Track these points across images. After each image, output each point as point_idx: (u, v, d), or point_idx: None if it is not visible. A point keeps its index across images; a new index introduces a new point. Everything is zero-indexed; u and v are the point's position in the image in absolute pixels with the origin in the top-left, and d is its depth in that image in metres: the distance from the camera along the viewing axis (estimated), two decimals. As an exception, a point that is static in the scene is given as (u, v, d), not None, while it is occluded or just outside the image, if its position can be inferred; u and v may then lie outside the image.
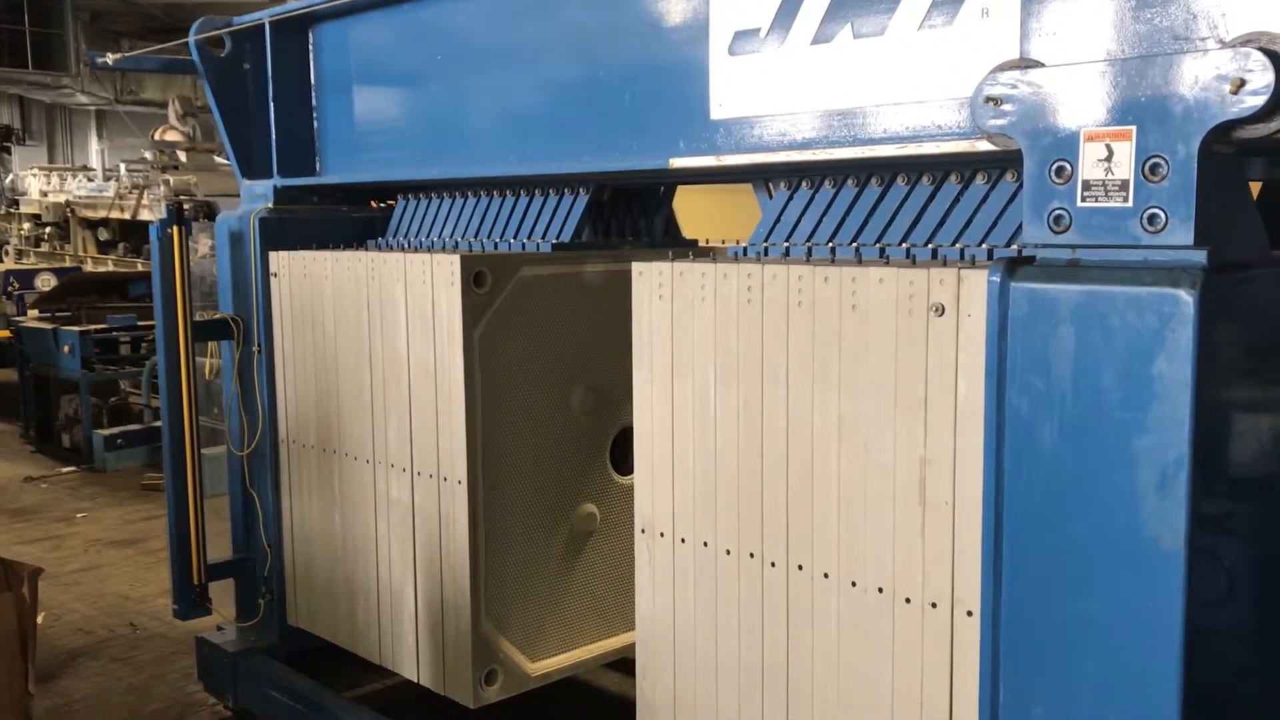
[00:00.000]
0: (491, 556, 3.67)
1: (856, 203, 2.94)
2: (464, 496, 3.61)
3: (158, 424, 9.70)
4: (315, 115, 4.50)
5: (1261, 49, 1.89)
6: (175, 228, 4.25)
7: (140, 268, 14.41)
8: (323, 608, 4.32)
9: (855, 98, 2.74)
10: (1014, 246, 2.59)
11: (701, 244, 4.15)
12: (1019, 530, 2.17)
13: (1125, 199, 2.04)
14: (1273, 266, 2.19)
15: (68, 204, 18.79)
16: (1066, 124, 2.10)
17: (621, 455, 3.91)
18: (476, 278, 3.55)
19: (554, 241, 3.77)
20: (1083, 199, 2.09)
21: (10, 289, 13.17)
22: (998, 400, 2.17)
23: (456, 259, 3.53)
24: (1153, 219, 2.01)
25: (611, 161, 3.37)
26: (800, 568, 2.77)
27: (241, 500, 4.60)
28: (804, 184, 3.06)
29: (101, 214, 17.98)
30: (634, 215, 4.15)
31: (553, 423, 3.78)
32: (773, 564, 2.83)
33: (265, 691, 4.38)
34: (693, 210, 4.45)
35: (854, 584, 2.67)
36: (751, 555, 2.88)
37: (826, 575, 2.72)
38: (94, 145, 28.87)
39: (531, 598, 3.79)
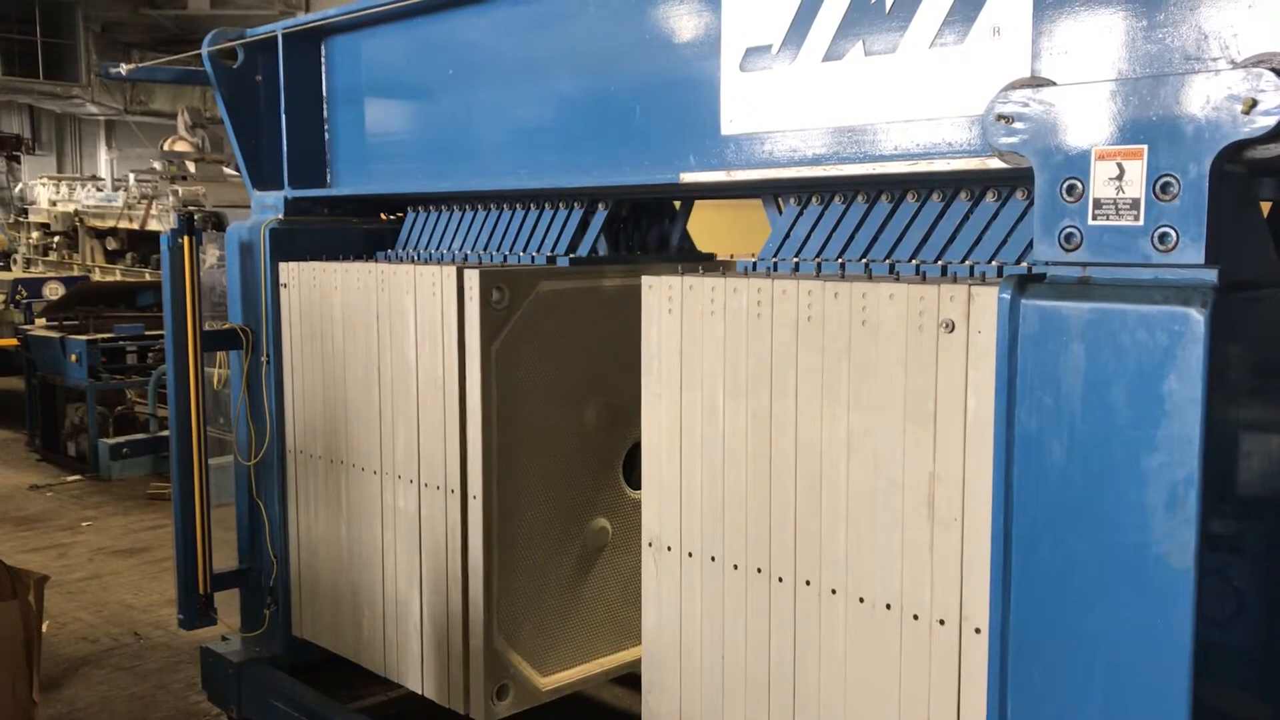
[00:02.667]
0: (504, 570, 3.65)
1: (866, 219, 2.95)
2: (478, 510, 3.59)
3: (163, 433, 9.75)
4: (326, 127, 4.53)
5: (1273, 69, 1.89)
6: (186, 238, 4.27)
7: (148, 277, 14.46)
8: (329, 619, 4.32)
9: (866, 114, 2.75)
10: (1024, 264, 2.60)
11: (718, 259, 4.14)
12: (1028, 547, 2.17)
13: (1136, 217, 2.05)
14: (1283, 286, 2.20)
15: (76, 213, 18.89)
16: (1078, 142, 2.11)
17: (634, 470, 3.90)
18: (493, 291, 3.50)
19: (572, 256, 3.76)
20: (1094, 217, 2.10)
21: (18, 297, 13.22)
22: (1007, 417, 2.18)
23: (475, 273, 3.50)
24: (1163, 238, 2.02)
25: (622, 176, 3.38)
26: (808, 583, 2.77)
27: (248, 510, 4.61)
28: (814, 200, 3.06)
29: (110, 223, 18.07)
30: (644, 229, 4.16)
31: (566, 437, 3.77)
32: (780, 579, 2.83)
33: (269, 702, 4.38)
34: (708, 225, 4.45)
35: (862, 600, 2.67)
36: (759, 570, 2.88)
37: (834, 591, 2.72)
38: (103, 155, 29.01)
39: (543, 612, 3.78)
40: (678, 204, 4.13)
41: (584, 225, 3.87)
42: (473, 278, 3.51)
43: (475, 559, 3.62)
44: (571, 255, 3.78)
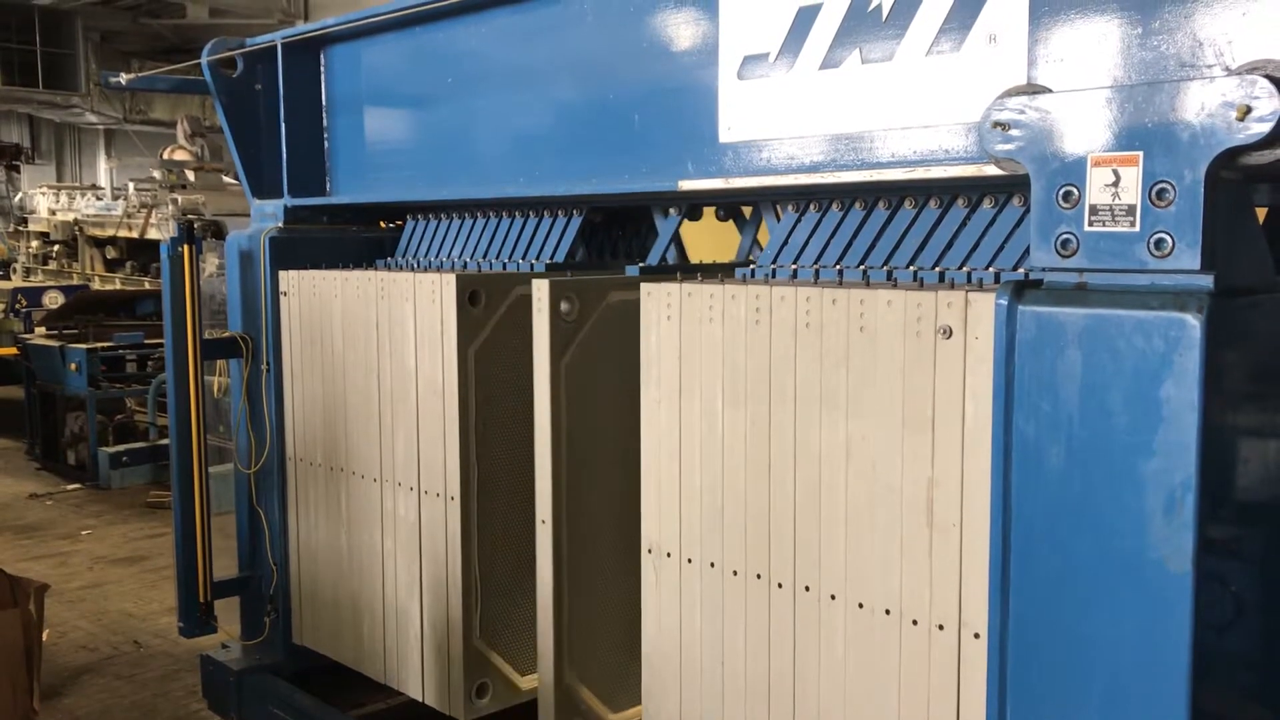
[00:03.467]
0: (573, 601, 3.42)
1: (864, 226, 2.96)
2: (547, 535, 3.37)
3: (163, 441, 9.76)
4: (326, 136, 4.54)
5: (1267, 76, 1.91)
6: (186, 246, 4.28)
7: (148, 286, 14.47)
8: (329, 626, 4.32)
9: (863, 122, 2.76)
10: (1021, 270, 2.61)
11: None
12: (1026, 552, 2.18)
13: (1132, 224, 2.06)
14: (1279, 291, 2.20)
15: (76, 222, 18.88)
16: (1074, 149, 2.12)
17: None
18: (562, 302, 3.30)
19: (642, 265, 3.55)
20: (1090, 223, 2.11)
21: (18, 306, 13.23)
22: (1005, 422, 2.18)
23: (545, 283, 3.26)
24: (1159, 243, 2.03)
25: (620, 184, 3.39)
26: (807, 589, 2.78)
27: (248, 518, 4.61)
28: (812, 206, 3.07)
29: (109, 232, 18.06)
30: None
31: (637, 459, 3.35)
32: (780, 585, 2.83)
33: (269, 710, 4.38)
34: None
35: (861, 606, 2.67)
36: (759, 576, 2.88)
37: (834, 597, 2.72)
38: (102, 164, 29.01)
39: (613, 645, 3.53)
40: (748, 211, 3.87)
41: (652, 232, 3.75)
42: (541, 288, 3.26)
43: (545, 589, 3.38)
44: (642, 264, 3.56)
